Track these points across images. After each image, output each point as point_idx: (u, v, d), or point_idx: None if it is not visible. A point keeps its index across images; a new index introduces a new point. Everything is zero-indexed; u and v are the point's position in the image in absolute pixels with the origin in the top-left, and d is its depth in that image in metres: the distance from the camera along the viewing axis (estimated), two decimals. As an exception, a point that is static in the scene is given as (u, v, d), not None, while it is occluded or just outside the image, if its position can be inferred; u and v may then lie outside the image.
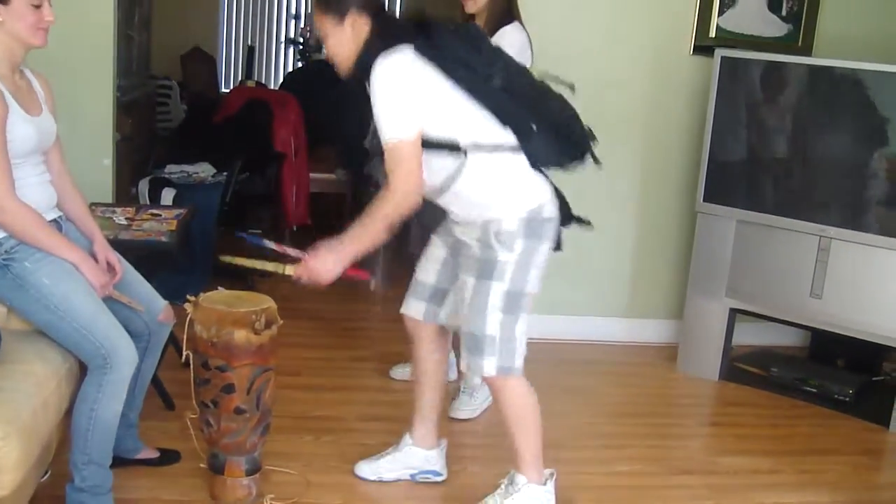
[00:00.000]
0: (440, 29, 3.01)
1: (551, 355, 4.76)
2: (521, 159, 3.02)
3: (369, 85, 2.89)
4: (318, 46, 9.88)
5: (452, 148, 2.94)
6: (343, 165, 7.10)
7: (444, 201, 3.12)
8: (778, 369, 4.77)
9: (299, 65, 10.04)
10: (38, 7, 2.84)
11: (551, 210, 3.06)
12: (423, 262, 3.35)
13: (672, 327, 5.17)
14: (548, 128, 3.04)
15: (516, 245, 2.99)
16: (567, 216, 3.15)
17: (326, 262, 2.99)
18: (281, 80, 9.97)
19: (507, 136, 3.00)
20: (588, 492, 3.52)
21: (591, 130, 3.12)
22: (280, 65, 10.63)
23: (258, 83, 9.15)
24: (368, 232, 3.00)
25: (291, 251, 3.10)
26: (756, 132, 4.56)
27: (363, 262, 3.08)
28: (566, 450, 3.79)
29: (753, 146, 4.57)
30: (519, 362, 3.09)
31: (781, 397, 4.60)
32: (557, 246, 3.15)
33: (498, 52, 3.09)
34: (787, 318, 4.61)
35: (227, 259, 3.11)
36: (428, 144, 2.93)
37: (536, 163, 3.06)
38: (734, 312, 4.71)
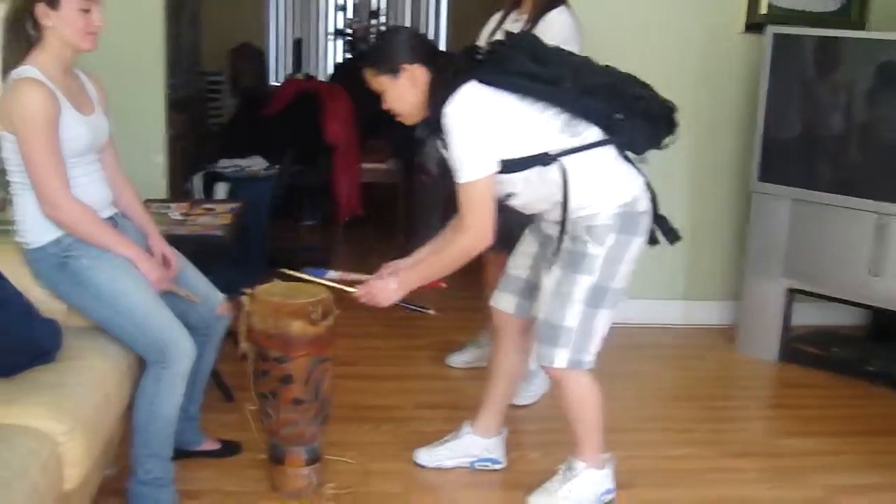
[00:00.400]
0: (497, 50, 3.01)
1: (609, 340, 4.71)
2: (612, 153, 2.99)
3: (444, 137, 2.90)
4: (366, 37, 9.91)
5: (545, 160, 2.92)
6: (394, 155, 7.12)
7: (538, 211, 3.13)
8: (838, 349, 4.71)
9: (348, 56, 10.06)
10: (87, 12, 2.87)
11: (645, 203, 3.02)
12: (514, 256, 3.34)
13: (730, 309, 5.12)
14: (631, 112, 2.98)
15: (608, 239, 2.95)
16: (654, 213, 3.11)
17: (389, 286, 3.02)
18: (330, 71, 9.99)
19: (594, 133, 2.96)
20: (647, 475, 3.50)
21: (672, 105, 3.06)
22: (328, 57, 10.66)
23: (307, 75, 9.19)
24: (437, 267, 3.03)
25: (356, 276, 3.15)
26: (810, 109, 4.50)
27: None
28: (625, 434, 3.77)
29: (808, 124, 4.51)
30: (590, 357, 3.08)
31: (842, 378, 4.55)
32: (652, 240, 3.11)
33: (560, 54, 3.05)
34: (846, 297, 4.55)
35: (290, 272, 3.12)
36: (520, 165, 2.92)
37: (632, 151, 3.04)
38: (792, 292, 4.65)
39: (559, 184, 2.93)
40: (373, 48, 3.27)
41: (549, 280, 3.05)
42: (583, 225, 2.96)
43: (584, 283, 2.98)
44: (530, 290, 3.24)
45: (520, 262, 3.31)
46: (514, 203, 3.04)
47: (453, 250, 2.98)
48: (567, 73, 2.94)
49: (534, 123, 2.92)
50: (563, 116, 2.93)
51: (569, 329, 3.01)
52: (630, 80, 3.04)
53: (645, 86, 3.04)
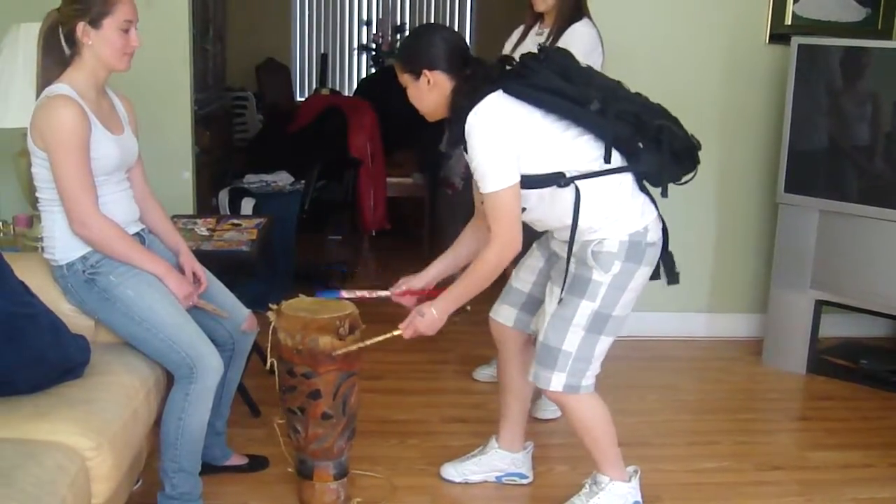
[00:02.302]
0: (528, 63, 2.98)
1: (634, 352, 4.73)
2: (628, 180, 2.97)
3: (465, 143, 2.89)
4: (391, 52, 9.94)
5: (561, 181, 2.90)
6: (420, 169, 7.14)
7: (547, 228, 3.12)
8: (867, 361, 4.68)
9: (372, 71, 10.10)
10: (125, 32, 2.91)
11: (655, 234, 3.00)
12: (519, 269, 3.34)
13: (756, 321, 5.10)
14: (654, 143, 2.95)
15: (613, 266, 2.94)
16: (664, 246, 3.09)
17: (432, 317, 3.02)
18: (355, 86, 10.03)
19: (614, 159, 2.93)
20: (675, 489, 3.49)
21: (694, 136, 3.04)
22: (353, 71, 10.70)
23: (332, 90, 9.22)
24: (472, 283, 2.99)
25: (368, 294, 3.19)
26: (837, 120, 4.48)
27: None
28: (652, 447, 3.76)
29: (834, 134, 4.49)
30: (587, 382, 3.05)
31: (872, 390, 4.52)
32: (654, 274, 3.09)
33: (590, 74, 3.04)
34: (875, 308, 4.52)
35: (344, 351, 3.09)
36: (536, 183, 2.91)
37: (649, 182, 3.01)
38: (820, 304, 4.63)
39: (571, 206, 2.92)
40: (403, 43, 3.27)
41: (551, 302, 3.04)
42: (590, 249, 2.94)
43: (585, 309, 2.96)
44: (531, 304, 3.24)
45: (523, 276, 3.30)
46: (524, 218, 3.02)
47: (484, 265, 2.95)
48: (595, 94, 2.92)
49: (554, 142, 2.91)
50: (585, 138, 2.92)
51: (567, 353, 2.99)
52: (658, 110, 3.02)
53: (673, 119, 3.02)
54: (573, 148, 2.92)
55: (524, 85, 2.91)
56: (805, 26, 4.83)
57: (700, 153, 3.06)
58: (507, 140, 2.87)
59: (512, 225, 2.90)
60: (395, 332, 3.07)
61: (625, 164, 2.95)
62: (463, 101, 2.90)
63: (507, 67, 3.02)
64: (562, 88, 2.89)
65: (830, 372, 4.69)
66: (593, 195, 2.92)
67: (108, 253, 2.92)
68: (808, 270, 4.57)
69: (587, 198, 2.91)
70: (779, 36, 4.84)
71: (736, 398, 4.49)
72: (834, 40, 4.50)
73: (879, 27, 4.91)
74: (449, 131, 3.00)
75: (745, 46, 4.91)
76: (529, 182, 2.90)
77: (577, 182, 2.91)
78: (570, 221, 2.94)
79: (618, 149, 2.94)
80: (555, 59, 3.01)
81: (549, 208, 2.97)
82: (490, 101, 2.87)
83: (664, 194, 3.02)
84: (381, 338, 3.08)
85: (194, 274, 3.18)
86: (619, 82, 3.06)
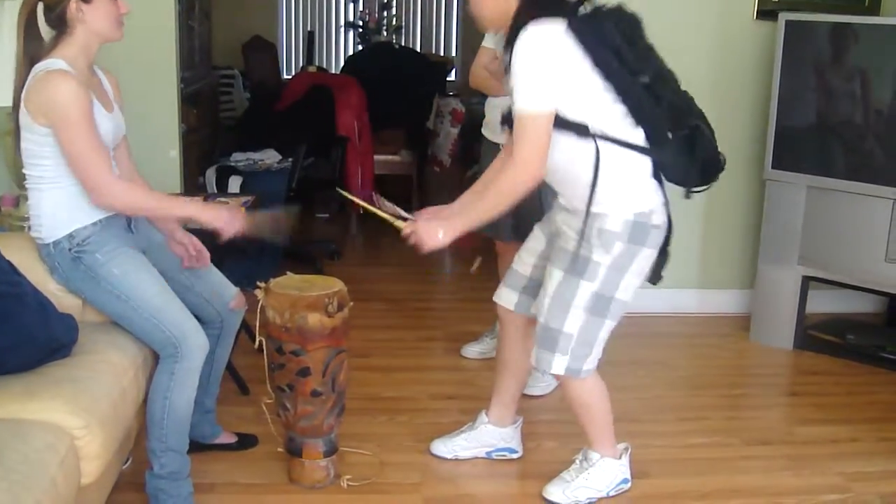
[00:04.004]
0: (600, 12, 2.88)
1: (623, 329, 4.67)
2: (646, 163, 2.91)
3: (512, 52, 2.79)
4: (378, 29, 9.90)
5: (581, 132, 2.82)
6: (407, 146, 7.12)
7: (557, 183, 3.03)
8: (854, 336, 4.70)
9: (360, 48, 10.06)
10: (114, 0, 2.89)
11: (660, 218, 2.96)
12: (521, 252, 3.31)
13: (744, 297, 5.11)
14: (682, 141, 2.91)
15: (615, 247, 2.90)
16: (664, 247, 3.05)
17: (436, 231, 2.90)
18: (342, 64, 10.00)
19: (638, 137, 2.88)
20: (664, 464, 3.50)
21: (724, 157, 3.02)
22: (341, 49, 10.66)
23: (320, 68, 9.19)
24: (484, 206, 2.90)
25: (399, 211, 3.07)
26: (824, 96, 4.48)
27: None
28: (641, 423, 3.77)
29: (822, 111, 4.49)
30: (589, 366, 3.04)
31: (858, 365, 4.54)
32: (656, 276, 3.08)
33: (651, 51, 2.94)
34: (861, 284, 4.53)
35: (346, 194, 3.06)
36: (558, 123, 2.81)
37: (662, 173, 2.95)
38: (807, 280, 4.64)
39: (591, 164, 2.85)
40: None
41: (550, 282, 3.01)
42: (595, 227, 2.90)
43: (585, 290, 2.94)
44: (533, 287, 3.21)
45: (525, 259, 3.27)
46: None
47: (500, 185, 2.85)
48: (648, 69, 2.86)
49: (590, 95, 2.82)
50: (619, 107, 2.84)
51: (568, 335, 2.98)
52: (697, 111, 2.97)
53: (711, 135, 2.98)
54: (606, 109, 2.84)
55: (587, 31, 2.79)
56: (793, 2, 4.82)
57: (705, 188, 3.06)
58: (552, 66, 2.76)
59: (535, 150, 2.77)
60: (400, 226, 2.96)
61: (645, 146, 2.89)
62: (525, 18, 2.77)
63: (581, 8, 2.87)
64: (619, 48, 2.80)
65: (817, 347, 4.71)
66: (612, 160, 2.85)
67: (139, 214, 2.93)
68: (795, 246, 4.58)
69: (606, 160, 2.84)
70: (766, 12, 4.83)
71: (724, 374, 4.51)
72: (821, 16, 4.50)
73: (867, 3, 4.91)
74: (506, 41, 2.87)
75: (732, 22, 4.89)
76: (555, 123, 2.81)
77: (598, 141, 2.83)
78: (587, 179, 2.86)
79: (646, 130, 2.88)
80: (627, 23, 2.89)
81: (569, 159, 2.87)
82: (550, 27, 2.76)
83: (667, 178, 2.97)
84: (382, 215, 3.02)
85: (196, 248, 3.17)
86: (673, 73, 2.97)
